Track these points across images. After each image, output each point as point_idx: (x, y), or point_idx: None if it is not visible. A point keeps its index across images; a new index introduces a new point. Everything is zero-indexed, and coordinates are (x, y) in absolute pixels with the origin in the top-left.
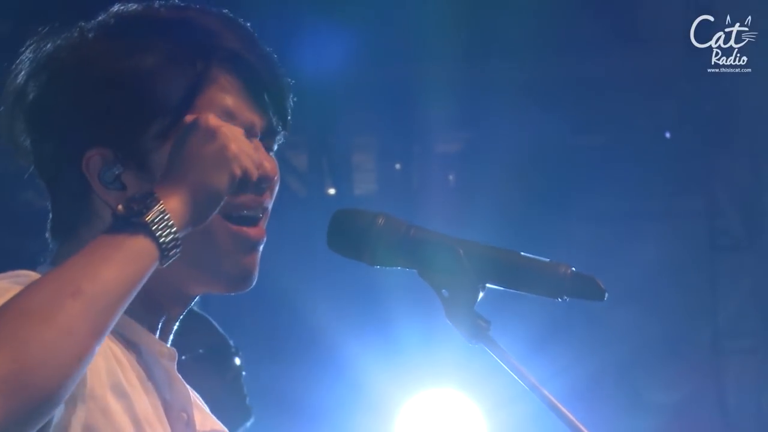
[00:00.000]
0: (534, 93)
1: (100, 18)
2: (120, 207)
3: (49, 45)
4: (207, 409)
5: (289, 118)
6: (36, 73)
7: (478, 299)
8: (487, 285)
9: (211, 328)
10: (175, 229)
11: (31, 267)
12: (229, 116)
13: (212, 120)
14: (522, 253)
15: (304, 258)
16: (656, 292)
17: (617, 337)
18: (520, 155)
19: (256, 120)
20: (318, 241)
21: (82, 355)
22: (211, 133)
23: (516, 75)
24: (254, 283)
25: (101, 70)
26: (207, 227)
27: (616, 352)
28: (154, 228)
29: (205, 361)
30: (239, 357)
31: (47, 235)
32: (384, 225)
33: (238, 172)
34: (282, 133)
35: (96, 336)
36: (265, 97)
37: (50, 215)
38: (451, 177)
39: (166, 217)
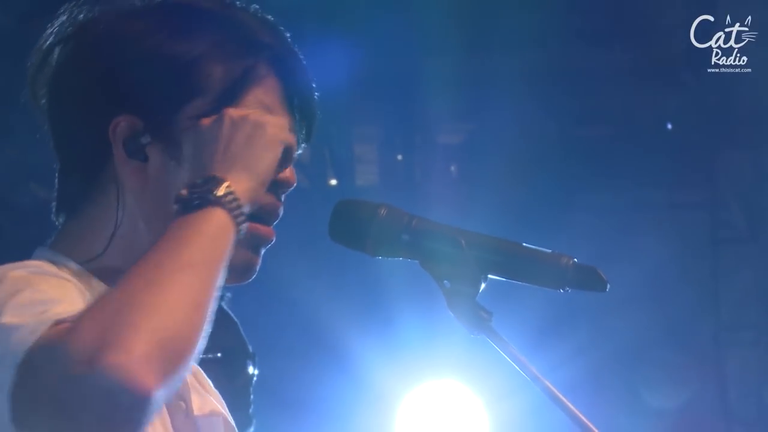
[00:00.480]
0: (536, 85)
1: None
2: (184, 191)
3: (86, 13)
4: (208, 387)
5: (313, 131)
6: (69, 36)
7: (480, 290)
8: (489, 276)
9: (234, 331)
10: (242, 203)
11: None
12: (265, 109)
13: (237, 110)
14: (524, 244)
15: (306, 249)
16: (658, 285)
17: (619, 329)
18: (523, 147)
19: (288, 124)
20: (320, 231)
21: (205, 323)
22: (242, 119)
23: (518, 67)
24: (249, 280)
25: (149, 44)
26: None
27: (617, 343)
28: (226, 202)
29: (220, 365)
30: (254, 364)
31: (53, 206)
32: (386, 216)
33: (280, 146)
34: (303, 146)
35: (211, 305)
36: (298, 104)
37: (56, 188)
38: (453, 168)
39: (233, 194)
